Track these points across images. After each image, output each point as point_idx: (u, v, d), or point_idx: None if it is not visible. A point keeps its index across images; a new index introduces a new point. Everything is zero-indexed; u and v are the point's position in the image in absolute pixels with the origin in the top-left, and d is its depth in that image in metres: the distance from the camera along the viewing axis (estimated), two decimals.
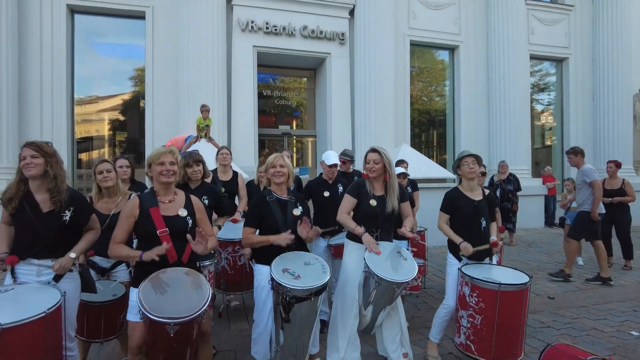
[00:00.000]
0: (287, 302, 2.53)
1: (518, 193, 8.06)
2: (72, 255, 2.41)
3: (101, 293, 2.83)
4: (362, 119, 9.28)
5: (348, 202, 3.07)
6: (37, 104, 8.18)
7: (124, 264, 3.16)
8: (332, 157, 4.03)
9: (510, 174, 8.11)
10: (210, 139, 7.37)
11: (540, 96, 12.42)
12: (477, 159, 3.16)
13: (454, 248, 3.21)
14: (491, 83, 10.82)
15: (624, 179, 6.25)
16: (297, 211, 2.90)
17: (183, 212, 2.45)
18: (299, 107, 11.07)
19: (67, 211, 2.41)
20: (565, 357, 2.54)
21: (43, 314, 2.01)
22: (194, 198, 2.59)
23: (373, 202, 3.00)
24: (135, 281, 2.38)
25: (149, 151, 8.80)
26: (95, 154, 9.56)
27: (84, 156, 9.32)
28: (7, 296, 2.17)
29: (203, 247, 2.39)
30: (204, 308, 2.15)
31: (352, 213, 3.10)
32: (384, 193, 3.07)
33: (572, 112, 11.85)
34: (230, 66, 8.86)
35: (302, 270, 2.62)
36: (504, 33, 10.52)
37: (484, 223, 3.17)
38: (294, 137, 10.97)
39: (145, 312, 2.04)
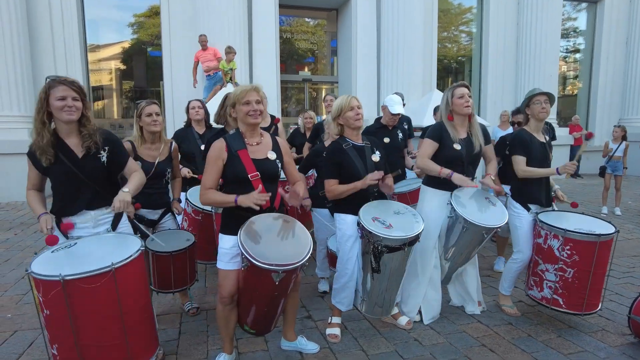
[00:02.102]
0: (378, 251, 2.41)
1: (552, 143, 7.84)
2: (126, 189, 2.14)
3: (169, 245, 2.73)
4: (389, 64, 8.80)
5: (429, 146, 2.80)
6: (49, 52, 7.78)
7: (170, 213, 3.00)
8: (396, 105, 3.70)
9: (546, 123, 7.83)
10: (236, 84, 7.01)
11: (561, 43, 11.73)
12: (550, 98, 2.88)
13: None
14: (521, 26, 10.23)
15: None
16: (375, 157, 2.68)
17: (272, 155, 2.27)
18: (316, 52, 10.52)
19: (102, 152, 2.17)
20: None
21: (142, 248, 1.98)
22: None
23: (457, 146, 2.76)
24: (225, 228, 2.23)
25: (168, 96, 8.44)
26: (100, 103, 9.20)
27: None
28: (78, 249, 2.00)
29: (298, 201, 2.30)
30: (309, 254, 2.04)
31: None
32: (468, 134, 2.84)
33: (602, 59, 11.30)
34: (251, 5, 8.27)
35: (393, 219, 2.48)
36: None
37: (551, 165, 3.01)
38: (309, 84, 10.50)
39: (253, 260, 1.91)
